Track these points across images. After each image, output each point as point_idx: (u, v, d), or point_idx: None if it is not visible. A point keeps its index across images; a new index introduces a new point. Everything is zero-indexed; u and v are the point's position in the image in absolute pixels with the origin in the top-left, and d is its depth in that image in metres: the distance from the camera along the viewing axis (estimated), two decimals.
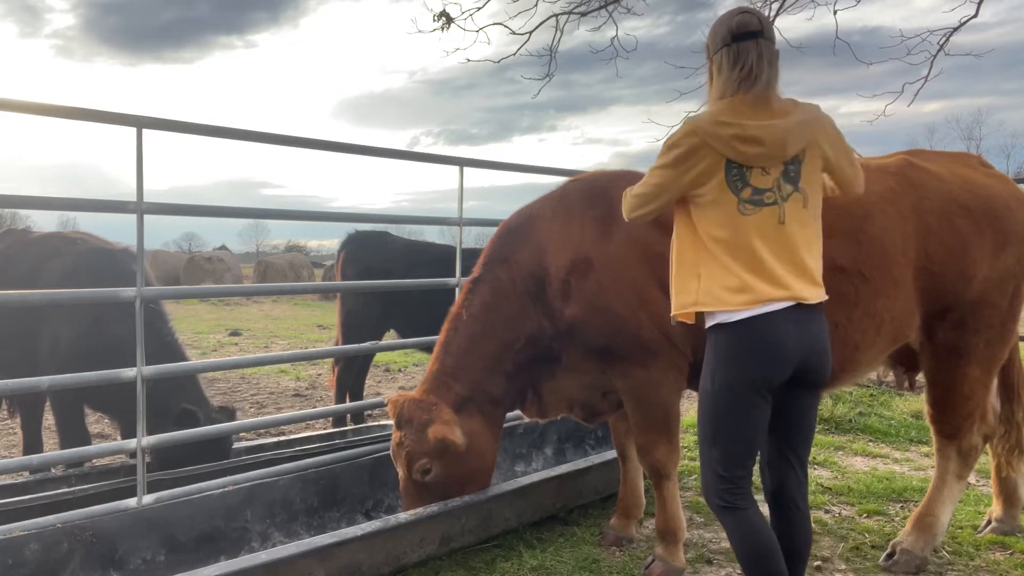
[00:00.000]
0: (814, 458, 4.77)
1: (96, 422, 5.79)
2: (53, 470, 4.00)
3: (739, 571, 3.16)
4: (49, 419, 5.02)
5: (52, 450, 4.87)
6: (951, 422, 3.14)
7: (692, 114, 2.44)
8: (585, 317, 3.03)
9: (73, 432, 4.28)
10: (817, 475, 4.49)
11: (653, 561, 3.11)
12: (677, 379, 3.08)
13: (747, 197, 2.22)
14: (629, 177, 3.26)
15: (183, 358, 4.31)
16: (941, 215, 3.01)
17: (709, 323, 2.30)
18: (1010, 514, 3.47)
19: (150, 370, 3.35)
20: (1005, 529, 3.45)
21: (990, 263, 3.03)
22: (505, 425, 4.39)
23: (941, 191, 3.05)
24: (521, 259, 3.19)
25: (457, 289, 4.35)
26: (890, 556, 3.16)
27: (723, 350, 2.26)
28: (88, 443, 4.30)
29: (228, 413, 4.19)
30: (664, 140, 2.36)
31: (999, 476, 3.48)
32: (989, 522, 3.52)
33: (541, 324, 3.15)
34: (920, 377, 3.37)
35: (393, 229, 7.11)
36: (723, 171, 2.22)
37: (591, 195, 3.21)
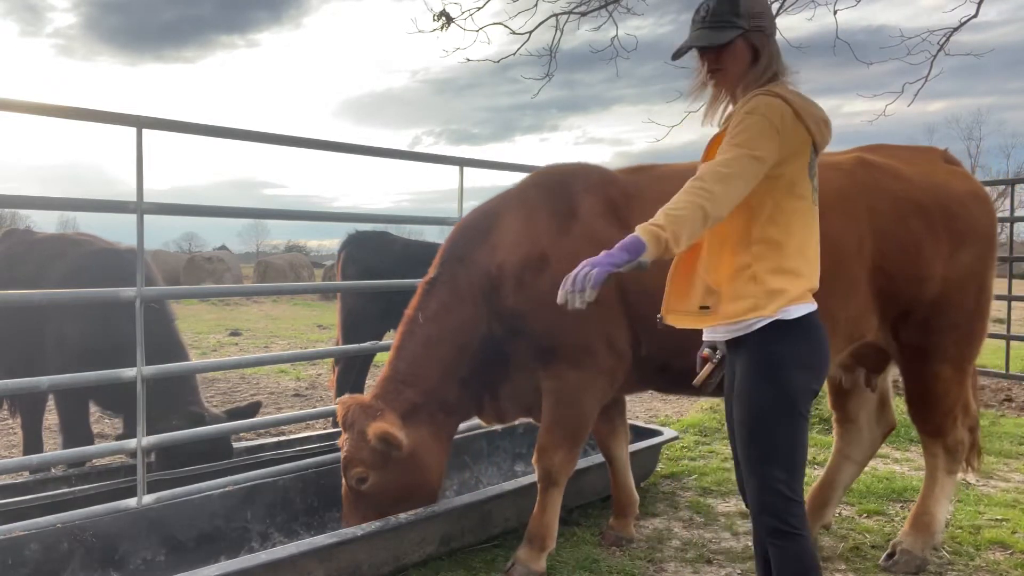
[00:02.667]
0: (814, 458, 4.76)
1: (96, 422, 5.78)
2: (53, 470, 4.00)
3: (739, 571, 3.16)
4: (50, 419, 5.02)
5: (52, 450, 4.87)
6: (932, 420, 3.14)
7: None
8: (536, 312, 2.93)
9: (77, 431, 4.28)
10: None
11: (513, 564, 3.05)
12: (604, 389, 3.03)
13: (814, 187, 2.11)
14: (588, 171, 3.20)
15: (185, 359, 4.31)
16: (894, 215, 2.96)
17: (758, 325, 2.03)
18: None
19: (150, 370, 3.35)
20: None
21: (946, 263, 2.99)
22: (505, 425, 4.40)
23: (894, 190, 3.00)
24: (477, 258, 3.09)
25: None
26: (890, 556, 3.16)
27: (782, 357, 2.02)
28: (91, 443, 4.30)
29: (224, 415, 4.19)
30: (748, 110, 2.04)
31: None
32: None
33: (491, 325, 3.06)
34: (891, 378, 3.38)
35: (393, 229, 7.11)
36: (808, 154, 2.07)
37: (550, 190, 3.13)
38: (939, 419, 3.12)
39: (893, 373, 3.44)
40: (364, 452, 2.94)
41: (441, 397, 3.09)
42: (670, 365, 3.01)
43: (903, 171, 3.07)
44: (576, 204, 3.04)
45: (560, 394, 2.99)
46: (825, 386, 3.56)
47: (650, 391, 3.53)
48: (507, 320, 3.03)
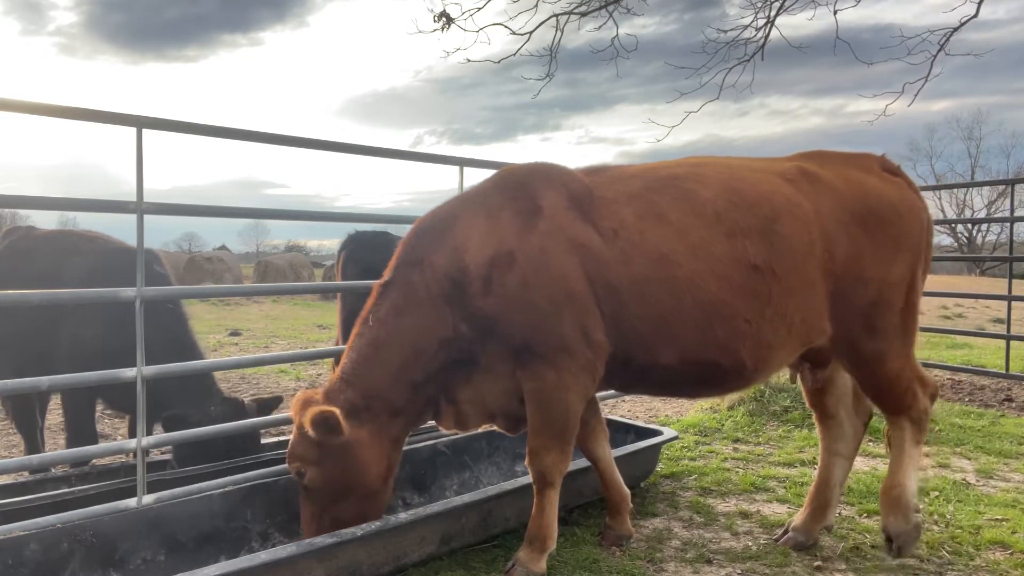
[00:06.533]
0: (813, 458, 4.76)
1: (96, 422, 5.78)
2: (53, 470, 4.00)
3: (739, 571, 3.16)
4: (51, 419, 5.01)
5: (53, 450, 4.87)
6: (892, 402, 3.22)
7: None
8: (507, 312, 2.90)
9: (82, 431, 4.27)
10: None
11: (514, 565, 3.03)
12: (586, 385, 3.00)
13: None
14: (547, 169, 3.19)
15: (201, 358, 4.31)
16: (837, 223, 3.07)
17: None
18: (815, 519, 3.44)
19: (150, 370, 3.35)
20: (800, 540, 3.38)
21: (886, 268, 3.10)
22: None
23: (834, 199, 3.11)
24: (436, 261, 3.02)
25: None
26: (889, 545, 3.18)
27: None
28: (95, 443, 4.30)
29: (237, 406, 4.21)
30: None
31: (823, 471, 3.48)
32: (787, 531, 3.47)
33: (457, 328, 3.00)
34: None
35: (393, 229, 7.11)
36: None
37: (510, 189, 3.12)
38: (897, 399, 3.21)
39: None
40: (300, 447, 2.97)
41: (386, 399, 3.03)
42: (632, 360, 3.02)
43: (839, 181, 3.18)
44: (539, 201, 3.02)
45: (542, 395, 2.97)
46: (801, 386, 3.60)
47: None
48: (477, 321, 2.98)
